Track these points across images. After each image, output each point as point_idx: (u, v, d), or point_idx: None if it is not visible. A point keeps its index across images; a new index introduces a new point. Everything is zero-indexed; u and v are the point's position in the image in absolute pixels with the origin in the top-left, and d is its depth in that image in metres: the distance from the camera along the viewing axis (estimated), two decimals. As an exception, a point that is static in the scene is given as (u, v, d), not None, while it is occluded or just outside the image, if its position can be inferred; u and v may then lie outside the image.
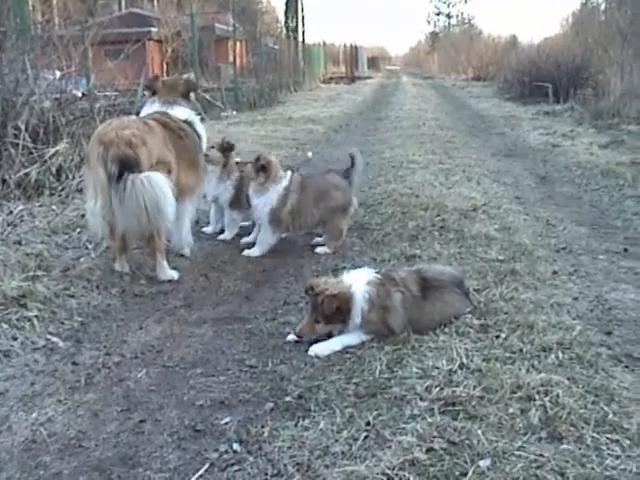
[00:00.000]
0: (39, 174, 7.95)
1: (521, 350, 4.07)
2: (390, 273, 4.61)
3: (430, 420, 3.32)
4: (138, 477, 3.07)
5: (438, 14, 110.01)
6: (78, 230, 6.61)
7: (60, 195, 7.87)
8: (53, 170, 8.14)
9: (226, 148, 6.84)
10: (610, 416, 3.35)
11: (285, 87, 31.41)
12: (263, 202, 6.27)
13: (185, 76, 6.45)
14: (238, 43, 31.88)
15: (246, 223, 7.17)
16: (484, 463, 2.99)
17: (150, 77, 6.49)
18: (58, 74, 10.02)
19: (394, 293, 4.35)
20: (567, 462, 2.99)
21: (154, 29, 36.02)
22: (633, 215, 8.03)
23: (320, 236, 6.72)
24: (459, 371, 3.81)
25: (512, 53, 35.03)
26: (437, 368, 3.86)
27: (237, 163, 6.74)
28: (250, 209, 6.62)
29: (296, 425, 3.39)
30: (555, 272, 5.72)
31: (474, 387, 3.61)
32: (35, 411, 3.62)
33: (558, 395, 3.49)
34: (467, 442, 3.14)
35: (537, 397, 3.50)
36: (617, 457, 3.05)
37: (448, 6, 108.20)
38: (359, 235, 6.90)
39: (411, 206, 7.85)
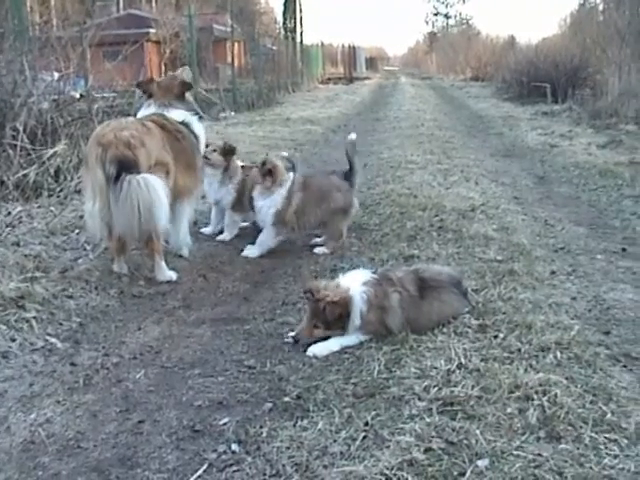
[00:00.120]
0: (37, 175, 7.95)
1: (519, 350, 4.08)
2: (387, 273, 4.61)
3: (428, 420, 3.32)
4: (137, 478, 3.07)
5: (436, 14, 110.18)
6: (76, 231, 6.61)
7: (58, 196, 7.87)
8: (51, 171, 8.14)
9: (228, 151, 6.83)
10: (608, 415, 3.35)
11: (283, 88, 31.41)
12: (268, 204, 6.27)
13: (179, 74, 6.37)
14: (236, 44, 31.87)
15: (245, 224, 7.17)
16: (482, 463, 2.99)
17: (144, 80, 6.44)
18: (56, 75, 10.02)
19: (392, 293, 4.35)
20: (565, 462, 3.00)
21: (152, 30, 35.95)
22: (631, 215, 8.03)
23: (319, 236, 6.73)
24: (457, 371, 3.81)
25: (510, 53, 35.10)
26: (435, 368, 3.86)
27: (242, 167, 6.75)
28: (251, 211, 6.64)
29: (294, 425, 3.39)
30: (553, 272, 5.73)
31: (472, 387, 3.61)
32: (34, 412, 3.62)
33: (556, 395, 3.50)
34: (465, 442, 3.14)
35: (535, 397, 3.51)
36: (615, 456, 3.05)
37: (446, 6, 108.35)
38: (357, 235, 6.90)
39: (409, 206, 7.85)
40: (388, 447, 3.13)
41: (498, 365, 3.85)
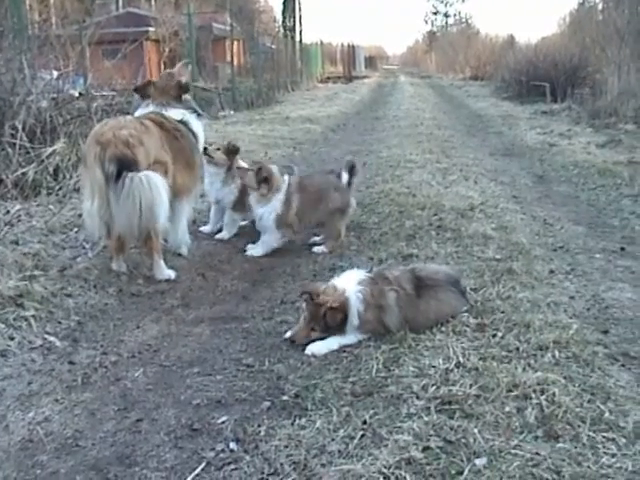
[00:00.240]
0: (36, 174, 7.95)
1: (517, 349, 4.08)
2: (384, 272, 4.61)
3: (426, 419, 3.33)
4: (135, 476, 3.08)
5: (435, 13, 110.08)
6: (75, 230, 6.61)
7: (57, 195, 7.86)
8: (50, 170, 8.14)
9: (231, 151, 6.81)
10: (606, 415, 3.36)
11: (282, 86, 31.42)
12: (269, 211, 6.28)
13: (177, 72, 6.36)
14: (235, 43, 31.85)
15: (244, 222, 7.17)
16: (480, 462, 2.99)
17: (142, 84, 6.41)
18: (55, 74, 10.02)
19: (388, 292, 4.35)
20: (563, 461, 3.00)
21: (151, 29, 35.90)
22: (630, 214, 8.04)
23: (317, 235, 6.73)
24: (455, 370, 3.82)
25: (509, 52, 35.04)
26: (434, 367, 3.87)
27: (238, 168, 6.74)
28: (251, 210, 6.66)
29: (293, 424, 3.39)
30: (552, 271, 5.73)
31: (470, 386, 3.61)
32: (32, 410, 3.62)
33: (554, 394, 3.50)
34: (463, 441, 3.15)
35: (533, 396, 3.51)
36: (613, 455, 3.06)
37: (445, 5, 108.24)
38: (356, 234, 6.91)
39: (408, 205, 7.86)
40: (386, 446, 3.13)
41: (496, 364, 3.85)
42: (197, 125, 6.24)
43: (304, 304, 4.43)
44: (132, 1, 49.42)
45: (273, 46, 37.09)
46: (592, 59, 23.61)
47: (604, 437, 3.19)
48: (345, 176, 6.61)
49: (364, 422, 3.34)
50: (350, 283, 4.37)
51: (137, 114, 6.11)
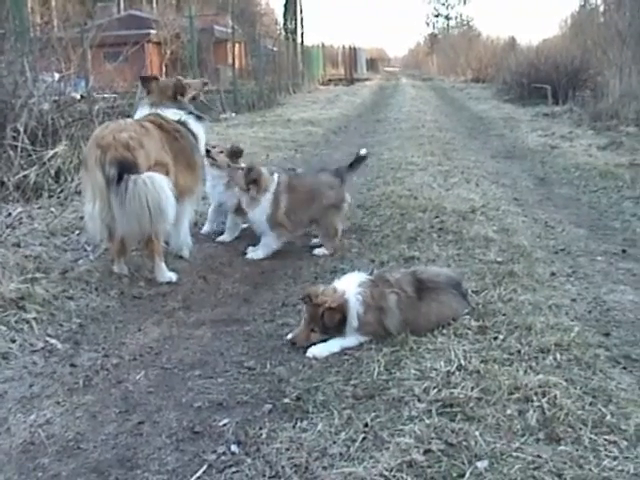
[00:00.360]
0: (38, 176, 7.96)
1: (519, 351, 4.08)
2: (384, 275, 4.61)
3: (428, 421, 3.32)
4: (136, 479, 3.08)
5: (437, 16, 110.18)
6: (77, 232, 6.62)
7: (59, 197, 7.87)
8: (52, 172, 8.15)
9: (234, 154, 6.79)
10: (608, 417, 3.35)
11: (284, 89, 31.43)
12: (259, 212, 6.29)
13: (186, 82, 6.41)
14: (237, 45, 31.87)
15: (245, 225, 7.18)
16: (482, 464, 2.99)
17: (149, 75, 6.46)
18: (57, 76, 10.03)
19: (389, 294, 4.35)
20: (565, 463, 3.00)
21: (153, 31, 35.98)
22: (631, 216, 8.03)
23: (317, 237, 6.73)
24: (457, 373, 3.81)
25: (511, 55, 35.01)
26: (435, 370, 3.86)
27: (229, 166, 6.72)
28: None
29: (294, 427, 3.39)
30: (553, 273, 5.73)
31: (472, 388, 3.61)
32: (33, 413, 3.63)
33: (556, 396, 3.49)
34: (465, 443, 3.14)
35: (535, 398, 3.50)
36: (615, 458, 3.05)
37: (447, 8, 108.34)
38: (358, 237, 6.91)
39: (410, 208, 7.85)
40: (387, 448, 3.13)
41: (498, 367, 3.85)
42: (197, 126, 6.23)
43: (304, 306, 4.44)
44: (134, 4, 49.53)
45: (274, 48, 37.08)
46: (593, 61, 23.57)
47: (606, 440, 3.18)
48: (347, 168, 6.64)
49: (365, 425, 3.34)
50: (350, 285, 4.38)
51: (136, 116, 6.12)
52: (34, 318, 4.72)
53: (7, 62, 8.90)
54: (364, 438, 3.24)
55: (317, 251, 6.48)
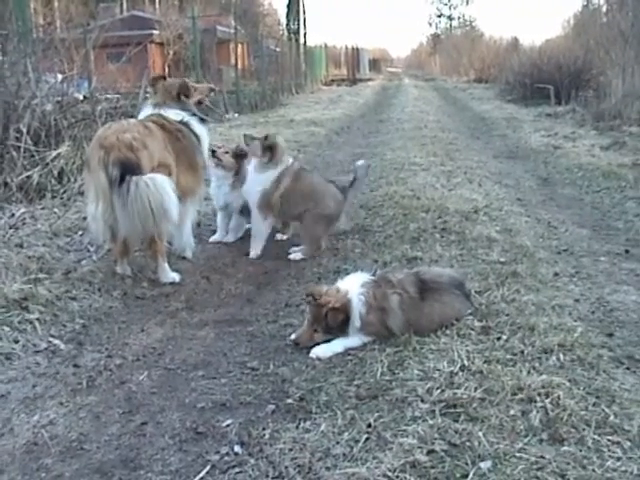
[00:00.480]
0: (41, 177, 7.97)
1: (522, 352, 4.07)
2: (387, 275, 4.62)
3: (431, 422, 3.32)
4: (139, 479, 3.08)
5: (439, 16, 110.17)
6: (80, 233, 6.62)
7: (62, 198, 7.88)
8: (55, 173, 8.16)
9: (239, 155, 6.76)
10: (611, 418, 3.34)
11: (287, 89, 31.46)
12: (259, 181, 6.30)
13: (193, 85, 6.44)
14: (240, 46, 31.92)
15: (249, 225, 7.18)
16: (485, 465, 2.99)
17: (158, 75, 6.48)
18: (60, 77, 10.04)
19: (391, 295, 4.35)
20: (568, 464, 2.99)
21: (156, 32, 36.04)
22: (634, 217, 8.02)
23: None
24: (460, 373, 3.81)
25: (514, 55, 34.94)
26: (438, 370, 3.86)
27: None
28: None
29: (297, 427, 3.39)
30: (556, 274, 5.72)
31: (475, 389, 3.61)
32: (37, 413, 3.63)
33: (559, 397, 3.49)
34: (468, 444, 3.14)
35: (538, 399, 3.50)
36: (618, 459, 3.05)
37: (450, 8, 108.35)
38: (361, 237, 6.90)
39: (412, 208, 7.84)
40: (391, 449, 3.12)
41: (501, 367, 3.84)
42: (200, 127, 6.24)
43: (307, 306, 4.44)
44: (136, 4, 49.59)
45: (277, 49, 37.10)
46: (596, 61, 23.55)
47: (609, 440, 3.17)
48: (349, 187, 6.68)
49: (369, 425, 3.34)
50: (353, 285, 4.38)
51: (140, 117, 6.13)
52: (37, 319, 4.73)
53: (10, 63, 8.92)
54: (367, 438, 3.24)
55: (292, 256, 6.45)
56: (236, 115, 19.82)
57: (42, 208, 7.47)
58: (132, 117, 6.96)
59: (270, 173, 6.29)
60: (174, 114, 6.05)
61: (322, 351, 4.24)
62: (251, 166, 6.39)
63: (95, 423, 3.55)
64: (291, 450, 3.18)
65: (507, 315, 4.63)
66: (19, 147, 8.02)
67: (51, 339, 4.56)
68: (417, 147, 13.33)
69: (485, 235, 6.68)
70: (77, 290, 5.31)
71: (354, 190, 6.79)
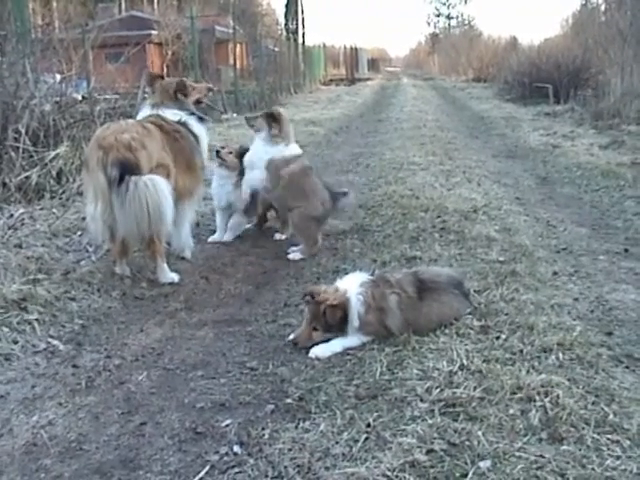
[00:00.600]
0: (39, 177, 7.96)
1: (521, 351, 4.07)
2: (385, 275, 4.62)
3: (430, 421, 3.32)
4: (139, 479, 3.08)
5: (438, 15, 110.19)
6: (79, 233, 6.62)
7: (61, 198, 7.87)
8: (54, 173, 8.15)
9: (243, 154, 6.77)
10: (610, 417, 3.35)
11: (285, 89, 31.46)
12: (267, 151, 6.37)
13: (191, 84, 6.44)
14: (238, 45, 31.95)
15: (248, 225, 7.19)
16: (484, 464, 2.99)
17: (155, 74, 6.48)
18: (58, 77, 10.04)
19: (390, 295, 4.35)
20: (567, 463, 2.99)
21: (154, 32, 36.08)
22: (633, 215, 8.02)
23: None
24: (459, 372, 3.81)
25: (512, 54, 34.93)
26: (437, 369, 3.86)
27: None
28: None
29: (297, 427, 3.39)
30: (555, 273, 5.72)
31: (474, 388, 3.61)
32: (36, 414, 3.63)
33: (558, 396, 3.49)
34: (467, 443, 3.14)
35: (537, 398, 3.50)
36: (617, 458, 3.05)
37: (448, 7, 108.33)
38: (360, 237, 6.90)
39: (411, 208, 7.85)
40: (390, 449, 3.12)
41: (500, 366, 3.84)
42: (198, 127, 6.24)
43: (306, 304, 4.44)
44: (135, 4, 49.59)
45: (276, 49, 37.09)
46: (595, 60, 23.58)
47: (608, 439, 3.18)
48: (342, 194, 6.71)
49: (368, 425, 3.34)
50: (352, 285, 4.38)
51: (138, 117, 6.13)
52: (36, 319, 4.73)
53: (9, 63, 8.91)
54: (367, 438, 3.24)
55: (291, 255, 6.45)
56: (235, 115, 19.80)
57: (41, 208, 7.46)
58: (131, 117, 6.96)
59: (281, 147, 6.33)
60: (172, 114, 6.04)
61: (321, 351, 4.24)
62: (259, 139, 6.41)
63: (94, 423, 3.55)
64: (290, 450, 3.18)
65: (506, 314, 4.63)
66: (18, 147, 8.02)
67: (50, 340, 4.56)
68: (416, 146, 13.32)
69: (484, 234, 6.68)
70: (76, 290, 5.30)
71: (344, 202, 6.76)
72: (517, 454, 3.06)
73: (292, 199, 6.40)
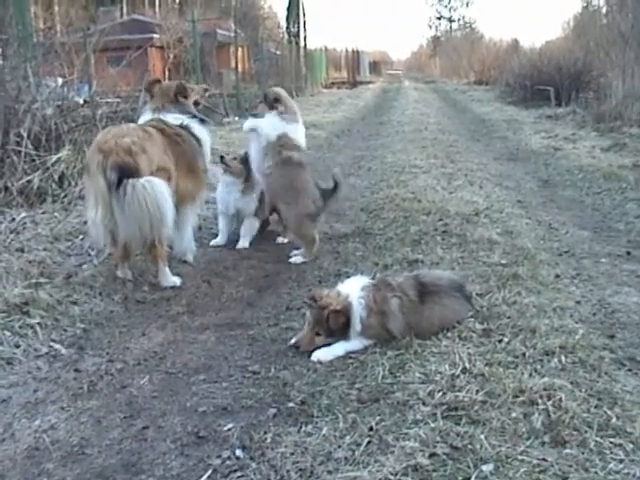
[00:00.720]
0: (41, 181, 7.96)
1: (524, 354, 4.07)
2: (387, 279, 4.63)
3: (433, 425, 3.31)
4: (141, 484, 3.08)
5: (440, 18, 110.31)
6: (81, 237, 6.62)
7: (63, 202, 7.87)
8: (55, 177, 8.14)
9: (247, 160, 6.77)
10: (613, 420, 3.34)
11: (287, 92, 31.40)
12: (278, 126, 6.46)
13: (190, 87, 6.44)
14: (240, 49, 31.98)
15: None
16: (487, 468, 2.98)
17: (151, 80, 6.47)
18: (60, 81, 10.03)
19: (391, 298, 4.35)
20: (570, 467, 2.99)
21: (156, 35, 36.10)
22: (635, 218, 8.02)
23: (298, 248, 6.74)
24: (462, 376, 3.81)
25: (514, 57, 34.89)
26: (440, 373, 3.85)
27: (242, 166, 6.75)
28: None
29: (299, 431, 3.38)
30: (558, 276, 5.72)
31: (477, 392, 3.60)
32: (38, 418, 3.63)
33: (561, 399, 3.49)
34: (470, 447, 3.13)
35: (540, 401, 3.50)
36: (620, 461, 3.04)
37: (450, 10, 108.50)
38: (362, 240, 6.90)
39: (413, 211, 7.85)
40: (392, 452, 3.12)
41: (502, 370, 3.84)
42: (200, 130, 6.23)
43: (308, 309, 4.44)
44: (136, 8, 49.68)
45: (277, 52, 37.15)
46: (596, 63, 23.53)
47: (611, 443, 3.17)
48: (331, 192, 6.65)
49: (370, 429, 3.34)
50: (353, 289, 4.38)
51: (140, 121, 6.13)
52: (38, 323, 4.73)
53: (10, 67, 8.91)
54: (369, 442, 3.23)
55: (293, 259, 6.44)
56: (237, 118, 19.80)
57: (43, 212, 7.46)
58: (132, 121, 6.96)
59: (294, 126, 6.52)
60: (173, 118, 6.04)
61: (323, 354, 4.23)
62: (269, 117, 6.45)
63: (96, 428, 3.55)
64: (293, 454, 3.17)
65: (508, 317, 4.63)
66: (19, 151, 8.02)
67: (52, 344, 4.55)
68: (417, 150, 13.33)
69: (486, 237, 6.68)
70: (78, 294, 5.30)
71: (336, 195, 6.74)
72: (520, 458, 3.05)
73: (282, 189, 6.43)
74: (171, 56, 35.85)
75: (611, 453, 3.10)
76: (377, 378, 3.87)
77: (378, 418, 3.43)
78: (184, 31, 32.61)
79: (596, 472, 2.96)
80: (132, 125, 5.93)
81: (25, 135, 8.12)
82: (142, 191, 5.09)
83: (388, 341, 4.31)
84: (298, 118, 6.52)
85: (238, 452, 3.24)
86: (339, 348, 4.28)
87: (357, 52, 71.71)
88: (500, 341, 4.26)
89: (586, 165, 11.58)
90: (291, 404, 3.67)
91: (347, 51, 69.67)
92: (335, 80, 54.16)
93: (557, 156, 12.96)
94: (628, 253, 6.53)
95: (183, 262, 6.22)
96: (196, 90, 6.57)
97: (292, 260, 6.41)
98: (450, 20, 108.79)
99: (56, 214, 7.37)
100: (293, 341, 4.45)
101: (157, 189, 5.16)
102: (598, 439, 3.19)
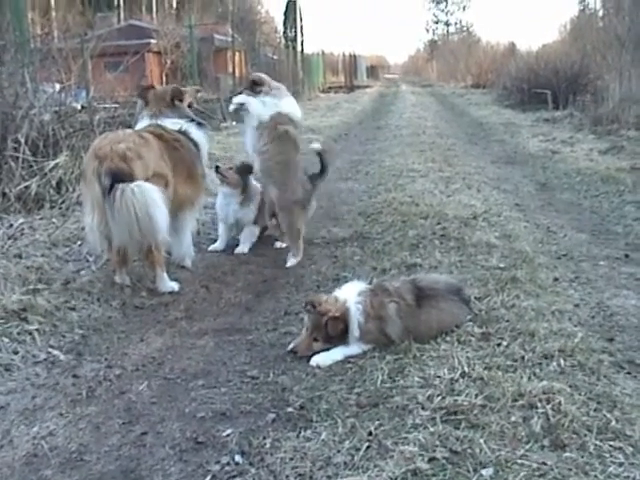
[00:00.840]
0: (39, 187, 7.96)
1: (523, 358, 4.07)
2: (384, 284, 4.63)
3: (432, 429, 3.31)
4: (140, 490, 3.07)
5: (437, 22, 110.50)
6: (78, 243, 6.61)
7: (60, 208, 7.87)
8: (53, 183, 8.14)
9: (244, 170, 6.73)
10: (613, 423, 3.34)
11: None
12: (273, 103, 6.44)
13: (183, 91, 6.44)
14: (237, 53, 31.94)
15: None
16: (487, 472, 2.98)
17: (145, 87, 6.46)
18: (57, 87, 10.04)
19: (388, 303, 4.35)
20: (570, 470, 2.98)
21: (153, 41, 36.07)
22: (633, 221, 8.02)
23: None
24: (461, 380, 3.80)
25: (511, 60, 34.98)
26: (439, 377, 3.85)
27: (240, 177, 6.75)
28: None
29: (298, 436, 3.38)
30: (556, 279, 5.72)
31: (476, 396, 3.60)
32: (36, 425, 3.62)
33: (560, 403, 3.48)
34: (469, 451, 3.13)
35: (539, 405, 3.49)
36: (620, 464, 3.04)
37: (446, 14, 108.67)
38: (359, 244, 6.89)
39: (411, 215, 7.85)
40: (392, 457, 3.11)
41: (502, 373, 3.84)
42: (198, 134, 6.22)
43: (306, 315, 4.43)
44: (134, 14, 49.68)
45: (275, 57, 37.19)
46: (593, 66, 23.60)
47: (611, 446, 3.17)
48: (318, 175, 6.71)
49: (369, 433, 3.33)
50: (351, 294, 4.38)
51: (137, 127, 6.12)
52: (36, 329, 4.72)
53: (8, 73, 8.92)
54: (368, 447, 3.23)
55: (289, 263, 6.44)
56: (234, 123, 19.78)
57: (41, 218, 7.46)
58: (130, 127, 6.95)
59: (285, 100, 6.51)
60: (172, 123, 6.03)
61: (322, 359, 4.23)
62: (260, 98, 6.45)
63: (95, 434, 3.54)
64: (292, 459, 3.17)
65: (507, 321, 4.62)
66: (17, 157, 8.02)
67: (50, 350, 4.55)
68: (415, 153, 13.34)
69: (484, 241, 6.68)
70: (76, 300, 5.29)
71: (323, 177, 6.80)
72: (519, 462, 3.05)
73: (277, 166, 6.46)
74: (168, 61, 35.80)
75: (611, 456, 3.10)
76: (376, 383, 3.87)
77: (377, 423, 3.42)
78: (181, 36, 32.58)
79: (596, 475, 2.96)
80: (129, 131, 5.91)
81: (23, 141, 8.12)
82: (130, 196, 5.04)
83: (387, 346, 4.31)
84: (286, 92, 6.50)
85: (237, 457, 3.24)
86: (338, 353, 4.28)
87: (354, 56, 71.80)
88: (499, 345, 4.26)
89: (584, 168, 11.59)
90: (290, 409, 3.67)
91: (344, 55, 69.80)
92: (332, 84, 54.14)
93: (555, 159, 12.98)
94: (626, 256, 6.53)
95: (181, 267, 6.21)
96: (189, 92, 6.57)
97: (288, 264, 6.41)
98: (447, 24, 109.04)
99: (54, 220, 7.37)
100: (291, 346, 4.45)
101: (147, 194, 5.11)
102: (597, 442, 3.19)
